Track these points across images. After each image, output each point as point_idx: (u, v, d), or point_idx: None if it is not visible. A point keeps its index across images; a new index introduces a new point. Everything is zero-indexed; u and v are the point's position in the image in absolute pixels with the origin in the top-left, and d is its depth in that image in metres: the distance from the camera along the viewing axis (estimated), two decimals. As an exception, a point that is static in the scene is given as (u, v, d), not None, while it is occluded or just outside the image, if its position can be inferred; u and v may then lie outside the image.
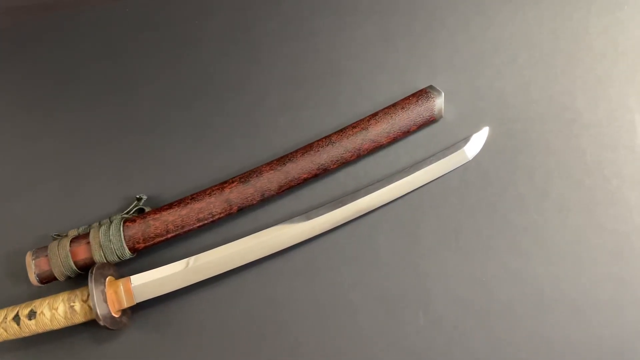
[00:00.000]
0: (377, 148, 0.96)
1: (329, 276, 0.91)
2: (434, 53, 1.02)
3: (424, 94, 0.97)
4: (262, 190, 0.92)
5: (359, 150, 0.95)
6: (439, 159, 0.94)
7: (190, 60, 1.04)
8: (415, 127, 0.96)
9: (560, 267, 0.88)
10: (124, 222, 0.90)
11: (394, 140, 0.96)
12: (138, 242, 0.89)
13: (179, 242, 0.94)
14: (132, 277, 0.86)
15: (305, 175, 0.93)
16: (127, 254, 0.89)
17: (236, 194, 0.92)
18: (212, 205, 0.91)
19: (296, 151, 0.95)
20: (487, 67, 1.00)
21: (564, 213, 0.91)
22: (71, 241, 0.88)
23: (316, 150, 0.94)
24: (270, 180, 0.92)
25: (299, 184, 0.93)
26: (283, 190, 0.93)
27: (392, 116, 0.95)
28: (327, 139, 0.95)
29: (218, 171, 0.99)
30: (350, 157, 0.94)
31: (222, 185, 0.93)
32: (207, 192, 0.92)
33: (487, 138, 0.96)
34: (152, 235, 0.90)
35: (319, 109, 1.00)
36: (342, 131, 0.96)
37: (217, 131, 1.01)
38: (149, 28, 1.05)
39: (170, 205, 0.92)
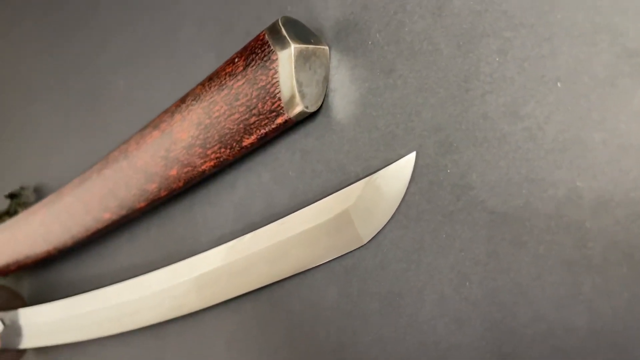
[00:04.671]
0: (193, 178, 0.47)
1: None
2: None
3: (257, 51, 0.39)
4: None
5: (166, 180, 0.49)
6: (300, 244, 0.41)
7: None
8: (251, 140, 0.42)
9: None
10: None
11: (222, 163, 0.45)
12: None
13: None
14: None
15: (108, 215, 0.56)
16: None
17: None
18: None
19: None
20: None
21: None
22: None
23: (112, 167, 0.53)
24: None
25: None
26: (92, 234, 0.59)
27: (204, 109, 0.43)
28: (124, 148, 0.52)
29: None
30: (156, 190, 0.50)
31: None
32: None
33: (413, 183, 0.35)
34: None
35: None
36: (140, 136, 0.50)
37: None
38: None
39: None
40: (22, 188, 0.79)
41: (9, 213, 0.79)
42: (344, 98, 0.39)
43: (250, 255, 0.45)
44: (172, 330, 0.58)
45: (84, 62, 0.67)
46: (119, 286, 0.57)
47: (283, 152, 0.44)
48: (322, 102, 0.41)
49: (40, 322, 0.67)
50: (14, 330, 0.70)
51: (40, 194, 0.79)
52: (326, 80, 0.41)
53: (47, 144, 0.77)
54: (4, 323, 0.70)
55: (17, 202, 0.79)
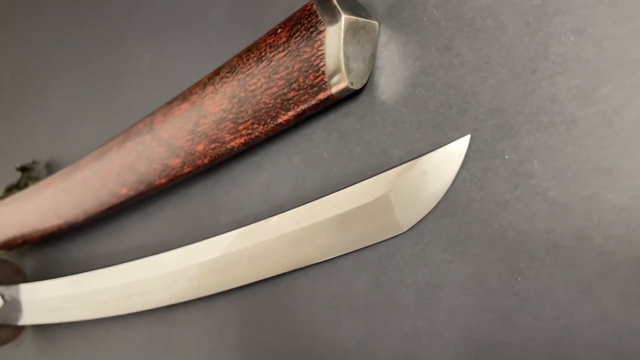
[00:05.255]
0: (219, 156, 0.45)
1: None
2: None
3: (303, 21, 0.37)
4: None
5: (190, 156, 0.47)
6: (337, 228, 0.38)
7: None
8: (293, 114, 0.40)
9: None
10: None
11: (253, 140, 0.43)
12: (-1, 240, 0.72)
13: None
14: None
15: (125, 190, 0.54)
16: (-9, 250, 0.74)
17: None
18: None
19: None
20: None
21: None
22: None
23: (135, 139, 0.51)
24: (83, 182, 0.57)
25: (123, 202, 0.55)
26: (106, 210, 0.57)
27: (241, 80, 0.41)
28: (148, 121, 0.50)
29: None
30: (179, 165, 0.48)
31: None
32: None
33: (465, 169, 0.33)
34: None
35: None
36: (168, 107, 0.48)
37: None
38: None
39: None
40: (34, 162, 0.78)
41: (19, 186, 0.77)
42: (391, 76, 0.37)
43: (276, 238, 0.43)
44: (180, 313, 0.55)
45: (109, 33, 0.65)
46: (129, 264, 0.54)
47: (318, 132, 0.42)
48: (367, 80, 0.39)
49: (42, 299, 0.65)
50: (14, 305, 0.67)
51: (52, 169, 0.77)
52: (373, 57, 0.39)
53: (65, 118, 0.75)
54: (4, 298, 0.67)
55: (28, 176, 0.77)
